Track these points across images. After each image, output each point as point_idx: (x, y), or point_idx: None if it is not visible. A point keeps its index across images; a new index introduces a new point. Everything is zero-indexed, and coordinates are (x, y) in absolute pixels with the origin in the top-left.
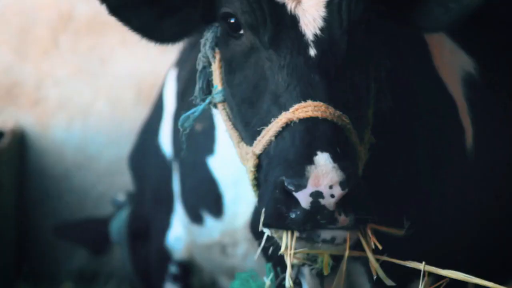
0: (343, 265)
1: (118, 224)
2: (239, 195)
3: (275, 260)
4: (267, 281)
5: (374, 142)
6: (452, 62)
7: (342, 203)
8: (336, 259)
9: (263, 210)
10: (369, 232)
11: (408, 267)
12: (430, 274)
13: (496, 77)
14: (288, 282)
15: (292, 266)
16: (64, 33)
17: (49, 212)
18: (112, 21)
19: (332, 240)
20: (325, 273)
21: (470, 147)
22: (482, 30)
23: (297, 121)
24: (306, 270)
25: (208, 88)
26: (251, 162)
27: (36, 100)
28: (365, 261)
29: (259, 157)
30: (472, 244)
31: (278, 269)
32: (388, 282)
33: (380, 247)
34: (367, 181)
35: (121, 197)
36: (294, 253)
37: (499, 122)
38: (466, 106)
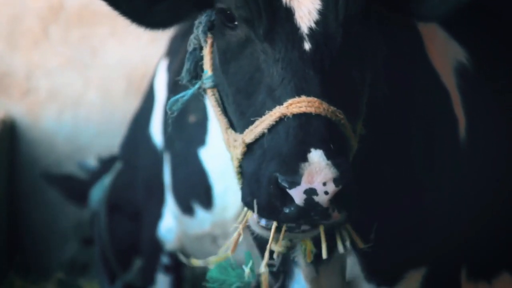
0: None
1: (99, 192)
2: (229, 186)
3: (260, 248)
4: (247, 269)
5: (368, 133)
6: (444, 52)
7: (335, 200)
8: (319, 247)
9: (255, 202)
10: (349, 228)
11: (402, 258)
12: None
13: (488, 67)
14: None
15: (277, 254)
16: (55, 24)
17: (40, 203)
18: (103, 11)
19: (298, 227)
20: (308, 260)
21: (463, 138)
22: (473, 19)
23: (291, 117)
24: (301, 258)
25: (195, 71)
26: (239, 150)
27: (27, 90)
28: (358, 252)
29: (247, 145)
30: (466, 235)
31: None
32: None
33: (361, 245)
34: (360, 173)
35: (92, 162)
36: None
37: (492, 112)
38: (459, 97)
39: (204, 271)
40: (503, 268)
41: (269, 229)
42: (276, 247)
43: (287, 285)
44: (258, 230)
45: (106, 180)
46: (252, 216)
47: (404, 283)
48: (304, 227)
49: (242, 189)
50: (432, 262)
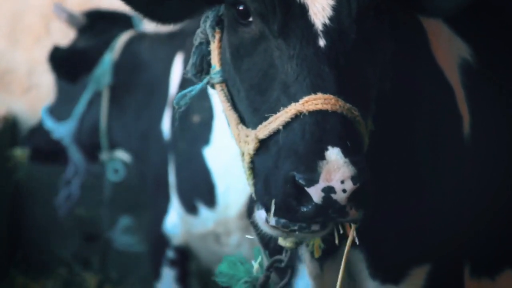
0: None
1: (102, 71)
2: (230, 185)
3: (264, 244)
4: (256, 265)
5: (374, 129)
6: (449, 49)
7: (353, 197)
8: (327, 242)
9: (273, 202)
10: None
11: (407, 255)
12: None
13: (492, 63)
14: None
15: (286, 250)
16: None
17: (41, 200)
18: (104, 7)
19: (308, 227)
20: (316, 255)
21: (467, 135)
22: (477, 16)
23: (307, 114)
24: (305, 254)
25: (201, 65)
26: (252, 145)
27: (28, 87)
28: (363, 248)
29: (260, 141)
30: (469, 232)
31: (266, 252)
32: None
33: (357, 242)
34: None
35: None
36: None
37: (496, 109)
38: (463, 94)
39: (208, 267)
40: (506, 265)
41: (278, 229)
42: (285, 243)
43: (292, 281)
44: (267, 230)
45: (108, 57)
46: (259, 214)
47: (408, 280)
48: (314, 227)
49: (257, 187)
50: (436, 259)
